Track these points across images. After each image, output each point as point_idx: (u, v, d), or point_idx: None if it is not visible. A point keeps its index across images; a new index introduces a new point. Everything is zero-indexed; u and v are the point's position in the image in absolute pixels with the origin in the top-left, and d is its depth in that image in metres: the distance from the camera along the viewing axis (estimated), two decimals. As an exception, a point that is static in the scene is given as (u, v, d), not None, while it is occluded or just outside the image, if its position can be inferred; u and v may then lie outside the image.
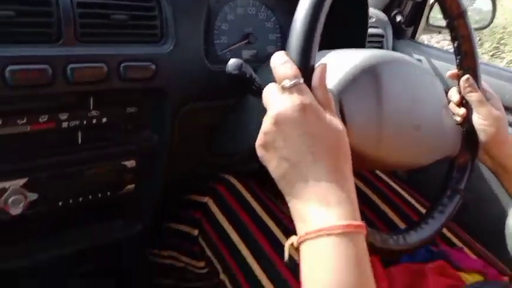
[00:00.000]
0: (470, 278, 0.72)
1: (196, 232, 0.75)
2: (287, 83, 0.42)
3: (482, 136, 0.65)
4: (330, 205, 0.40)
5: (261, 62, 0.71)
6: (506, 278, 0.73)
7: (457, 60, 0.66)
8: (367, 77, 0.55)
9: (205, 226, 0.74)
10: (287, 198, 0.43)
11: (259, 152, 0.45)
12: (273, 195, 0.78)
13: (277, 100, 0.43)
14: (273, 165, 0.43)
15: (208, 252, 0.74)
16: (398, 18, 0.95)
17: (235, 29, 0.75)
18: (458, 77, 0.67)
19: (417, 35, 1.04)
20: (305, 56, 0.45)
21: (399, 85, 0.58)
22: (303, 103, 0.42)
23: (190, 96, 0.65)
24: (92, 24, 0.54)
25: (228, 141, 0.77)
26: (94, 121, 0.59)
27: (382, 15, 0.97)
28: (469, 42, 0.64)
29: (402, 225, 0.82)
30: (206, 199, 0.76)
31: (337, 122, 0.43)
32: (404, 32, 0.99)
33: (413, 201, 0.85)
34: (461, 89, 0.66)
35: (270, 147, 0.43)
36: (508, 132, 0.66)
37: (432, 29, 1.03)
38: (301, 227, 0.41)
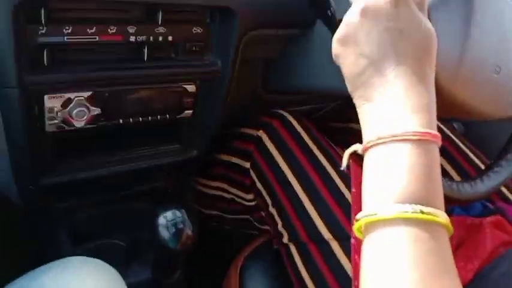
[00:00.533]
0: (527, 236, 0.70)
1: (248, 164, 0.75)
2: None
3: None
4: (408, 110, 0.36)
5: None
6: None
7: None
8: None
9: (257, 159, 0.74)
10: (358, 102, 0.40)
11: (336, 47, 0.41)
12: None
13: None
14: (350, 62, 0.39)
15: (259, 185, 0.73)
16: None
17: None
18: None
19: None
20: None
21: (491, 18, 0.54)
22: None
23: (258, 20, 0.62)
24: None
25: (285, 77, 0.75)
26: (160, 38, 0.57)
27: None
28: None
29: (458, 179, 0.80)
30: (260, 132, 0.75)
31: (429, 23, 0.39)
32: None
33: (472, 156, 0.82)
34: None
35: (350, 41, 0.39)
36: None
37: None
38: (370, 133, 0.38)
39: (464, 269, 0.62)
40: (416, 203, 0.34)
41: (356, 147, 0.40)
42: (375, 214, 0.34)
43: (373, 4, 0.38)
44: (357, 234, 0.37)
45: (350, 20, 0.39)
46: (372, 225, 0.35)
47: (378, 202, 0.35)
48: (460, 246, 0.67)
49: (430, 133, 0.36)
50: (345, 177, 0.70)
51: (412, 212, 0.33)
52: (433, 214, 0.33)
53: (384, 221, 0.34)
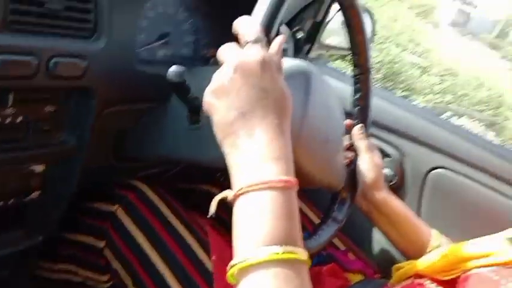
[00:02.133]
0: (354, 278, 0.82)
1: (102, 244, 0.69)
2: (252, 37, 0.44)
3: (363, 178, 0.72)
4: (273, 159, 0.41)
5: (175, 63, 0.69)
6: (378, 276, 0.85)
7: (355, 110, 0.75)
8: (301, 76, 0.61)
9: (113, 237, 0.69)
10: (228, 150, 0.43)
11: (209, 99, 0.44)
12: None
13: (241, 51, 0.44)
14: (221, 113, 0.43)
15: (115, 265, 0.69)
16: (300, 35, 1.01)
17: (153, 27, 0.71)
18: (351, 126, 0.75)
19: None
20: (271, 21, 0.47)
21: (323, 94, 0.64)
22: (265, 58, 0.43)
23: (117, 97, 0.60)
24: (24, 12, 0.46)
25: (141, 145, 0.73)
26: (7, 120, 0.50)
27: (285, 29, 1.00)
28: (367, 98, 0.74)
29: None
30: (115, 208, 0.71)
31: (286, 85, 0.45)
32: (301, 49, 1.04)
33: (306, 210, 0.92)
34: (353, 136, 0.74)
35: (222, 95, 0.43)
36: (383, 180, 0.75)
37: (322, 47, 1.11)
38: (240, 180, 0.41)
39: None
40: (282, 244, 0.38)
41: (226, 193, 0.43)
42: (246, 260, 0.37)
43: (246, 63, 0.43)
44: (230, 281, 0.39)
45: (223, 76, 0.43)
46: (244, 271, 0.37)
47: (248, 248, 0.38)
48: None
49: (291, 180, 0.41)
50: (203, 244, 0.72)
51: (283, 253, 0.37)
52: (297, 253, 0.38)
53: (254, 265, 0.37)
